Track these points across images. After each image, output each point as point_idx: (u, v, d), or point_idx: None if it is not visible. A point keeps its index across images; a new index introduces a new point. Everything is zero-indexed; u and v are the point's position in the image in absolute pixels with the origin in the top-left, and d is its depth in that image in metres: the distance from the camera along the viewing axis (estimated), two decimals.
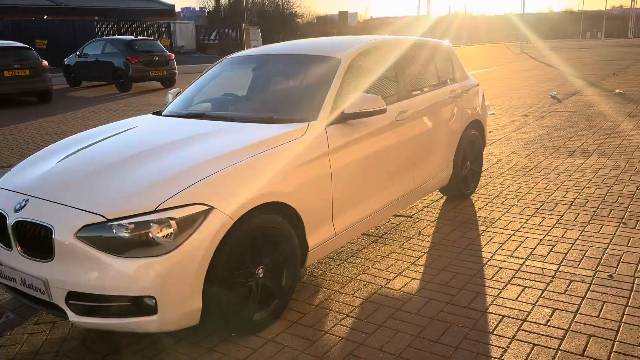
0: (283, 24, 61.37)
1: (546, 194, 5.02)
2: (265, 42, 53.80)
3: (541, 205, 4.70)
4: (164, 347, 2.77)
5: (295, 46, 4.22)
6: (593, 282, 3.27)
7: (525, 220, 4.36)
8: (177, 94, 4.29)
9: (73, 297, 2.51)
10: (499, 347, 2.64)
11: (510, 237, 4.04)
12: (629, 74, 17.21)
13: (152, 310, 2.47)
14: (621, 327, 2.77)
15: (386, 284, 3.37)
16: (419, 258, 3.73)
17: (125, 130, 3.54)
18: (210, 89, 4.18)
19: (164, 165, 2.79)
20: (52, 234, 2.51)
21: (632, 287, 3.18)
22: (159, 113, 4.02)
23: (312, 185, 3.07)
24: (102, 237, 2.46)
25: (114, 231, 2.45)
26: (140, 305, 2.48)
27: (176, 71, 16.94)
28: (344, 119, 3.34)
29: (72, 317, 2.54)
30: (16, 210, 2.68)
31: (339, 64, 3.60)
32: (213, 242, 2.54)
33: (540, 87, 14.13)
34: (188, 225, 2.49)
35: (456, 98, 4.66)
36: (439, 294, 3.20)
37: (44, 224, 2.54)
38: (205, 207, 2.53)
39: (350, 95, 3.43)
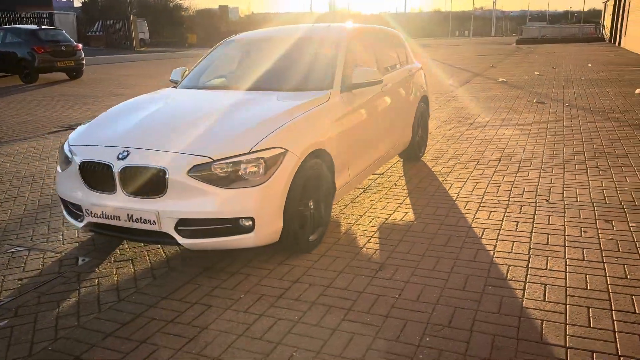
0: (169, 17, 60.03)
1: (478, 154, 6.28)
2: (151, 35, 52.31)
3: (478, 162, 5.93)
4: (243, 265, 3.48)
5: (293, 30, 5.04)
6: (537, 205, 4.48)
7: (471, 172, 5.54)
8: (185, 71, 4.91)
9: (182, 223, 3.17)
10: (486, 246, 3.70)
11: (465, 182, 5.18)
12: (505, 66, 19.74)
13: (249, 229, 3.20)
14: (566, 229, 3.96)
15: (389, 217, 4.32)
16: (404, 200, 4.74)
17: (176, 99, 4.21)
18: (227, 65, 4.89)
19: (240, 120, 3.51)
20: (165, 175, 3.14)
21: (564, 206, 4.42)
22: (186, 87, 4.65)
23: (338, 138, 3.92)
24: (209, 173, 3.14)
25: (219, 168, 3.14)
26: (240, 226, 3.19)
27: (84, 62, 16.53)
28: (350, 88, 4.22)
29: (181, 240, 3.19)
30: (120, 159, 3.25)
31: (340, 45, 4.47)
32: (289, 177, 3.31)
33: (435, 78, 15.90)
34: (272, 163, 3.24)
35: (412, 77, 5.73)
36: (432, 220, 4.22)
37: (158, 167, 3.16)
38: (283, 150, 3.30)
39: (349, 70, 4.32)
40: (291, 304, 2.98)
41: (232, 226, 3.20)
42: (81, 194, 3.45)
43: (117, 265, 3.56)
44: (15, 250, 3.85)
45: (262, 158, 3.22)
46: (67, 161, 3.60)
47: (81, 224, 3.52)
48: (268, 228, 3.26)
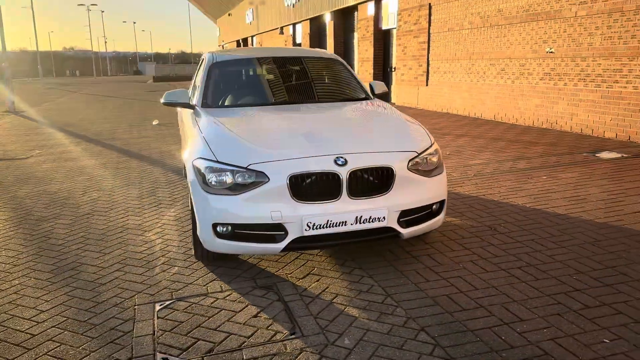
0: None
1: None
2: None
3: None
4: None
5: (294, 51, 5.21)
6: None
7: None
8: (189, 93, 4.52)
9: (403, 215, 3.36)
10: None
11: None
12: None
13: (439, 211, 3.63)
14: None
15: None
16: None
17: (263, 116, 4.05)
18: (239, 83, 4.68)
19: (385, 126, 3.82)
20: (392, 172, 3.29)
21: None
22: (224, 106, 4.39)
23: None
24: (417, 166, 3.44)
25: (421, 161, 3.48)
26: (434, 210, 3.58)
27: None
28: (376, 97, 4.88)
29: (402, 230, 3.36)
30: (340, 165, 3.19)
31: (344, 62, 5.04)
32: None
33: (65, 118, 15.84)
34: (438, 157, 3.73)
35: None
36: None
37: (386, 166, 3.27)
38: (437, 147, 3.83)
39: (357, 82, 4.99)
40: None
41: (431, 211, 3.57)
42: (288, 209, 3.13)
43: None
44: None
45: (437, 149, 3.72)
46: (244, 183, 3.19)
47: (282, 245, 3.17)
48: (445, 209, 3.77)
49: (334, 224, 3.17)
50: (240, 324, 2.82)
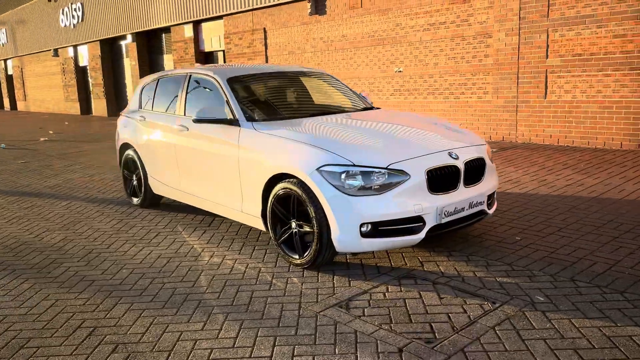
0: None
1: None
2: None
3: None
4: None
5: (289, 68, 5.30)
6: None
7: None
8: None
9: (489, 197, 4.03)
10: None
11: None
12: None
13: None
14: None
15: None
16: None
17: (324, 125, 4.20)
18: (275, 97, 4.73)
19: (441, 126, 4.38)
20: (484, 162, 3.93)
21: None
22: (267, 119, 4.38)
23: None
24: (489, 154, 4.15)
25: (489, 151, 4.20)
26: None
27: None
28: None
29: (489, 211, 4.03)
30: (455, 158, 3.70)
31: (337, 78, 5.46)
32: None
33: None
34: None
35: None
36: None
37: (481, 157, 3.89)
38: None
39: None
40: None
41: (494, 194, 4.29)
42: (426, 202, 3.51)
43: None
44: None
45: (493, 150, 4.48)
46: (386, 182, 3.44)
47: (422, 235, 3.52)
48: None
49: (458, 210, 3.70)
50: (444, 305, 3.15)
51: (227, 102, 4.46)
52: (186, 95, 5.04)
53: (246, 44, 14.31)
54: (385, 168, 3.49)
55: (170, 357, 2.69)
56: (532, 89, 8.80)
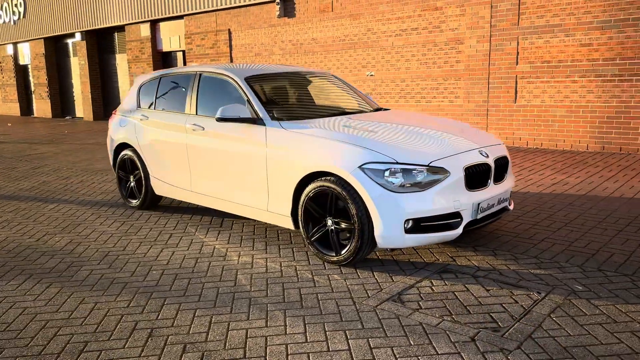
0: None
1: None
2: None
3: None
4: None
5: (298, 69, 5.28)
6: None
7: None
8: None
9: (509, 195, 4.24)
10: None
11: None
12: None
13: None
14: None
15: None
16: None
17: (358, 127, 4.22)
18: (293, 98, 4.69)
19: (461, 125, 4.53)
20: (508, 160, 4.12)
21: None
22: (293, 119, 4.34)
23: None
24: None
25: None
26: None
27: None
28: None
29: (510, 208, 4.22)
30: (485, 157, 3.86)
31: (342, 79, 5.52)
32: None
33: None
34: None
35: None
36: None
37: (505, 155, 4.08)
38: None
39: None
40: None
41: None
42: (464, 198, 3.65)
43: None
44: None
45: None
46: (428, 179, 3.54)
47: (460, 230, 3.65)
48: None
49: (490, 206, 3.87)
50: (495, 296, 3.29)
51: (248, 101, 4.43)
52: (197, 95, 4.95)
53: (209, 45, 14.11)
54: (427, 165, 3.60)
55: (247, 354, 2.67)
56: (503, 93, 9.21)
